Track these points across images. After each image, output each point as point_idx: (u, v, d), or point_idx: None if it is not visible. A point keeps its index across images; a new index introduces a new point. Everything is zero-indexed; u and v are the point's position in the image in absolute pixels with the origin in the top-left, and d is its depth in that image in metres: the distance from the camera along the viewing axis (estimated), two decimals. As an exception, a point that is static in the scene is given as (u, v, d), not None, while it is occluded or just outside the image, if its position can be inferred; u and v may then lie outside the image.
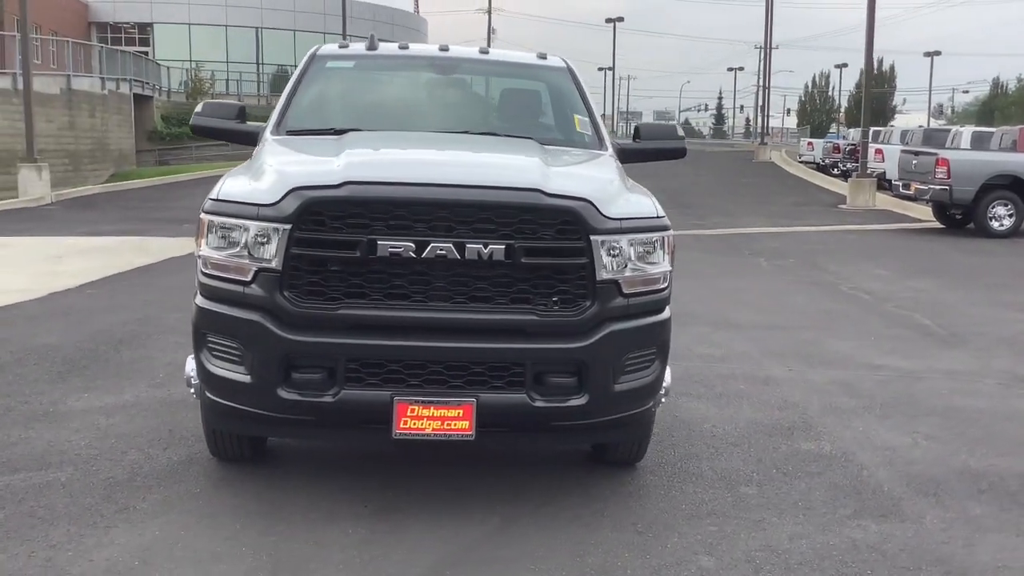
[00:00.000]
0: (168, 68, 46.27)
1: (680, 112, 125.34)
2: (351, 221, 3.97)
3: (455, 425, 4.05)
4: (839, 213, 22.28)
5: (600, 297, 4.13)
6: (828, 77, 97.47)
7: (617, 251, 4.16)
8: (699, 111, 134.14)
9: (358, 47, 5.99)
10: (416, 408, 4.02)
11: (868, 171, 25.38)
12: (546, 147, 5.10)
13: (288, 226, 3.97)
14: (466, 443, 4.11)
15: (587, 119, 5.57)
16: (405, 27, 62.05)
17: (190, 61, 52.02)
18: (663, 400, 4.98)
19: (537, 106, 5.84)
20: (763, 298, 10.63)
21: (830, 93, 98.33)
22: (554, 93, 5.82)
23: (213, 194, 4.26)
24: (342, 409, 4.06)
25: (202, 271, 4.21)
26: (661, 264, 4.36)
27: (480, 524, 4.23)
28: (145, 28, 53.72)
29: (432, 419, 4.04)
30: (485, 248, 3.97)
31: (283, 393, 4.05)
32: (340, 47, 6.10)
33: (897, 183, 20.11)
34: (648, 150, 5.75)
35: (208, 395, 4.32)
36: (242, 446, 4.74)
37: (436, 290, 4.05)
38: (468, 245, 3.97)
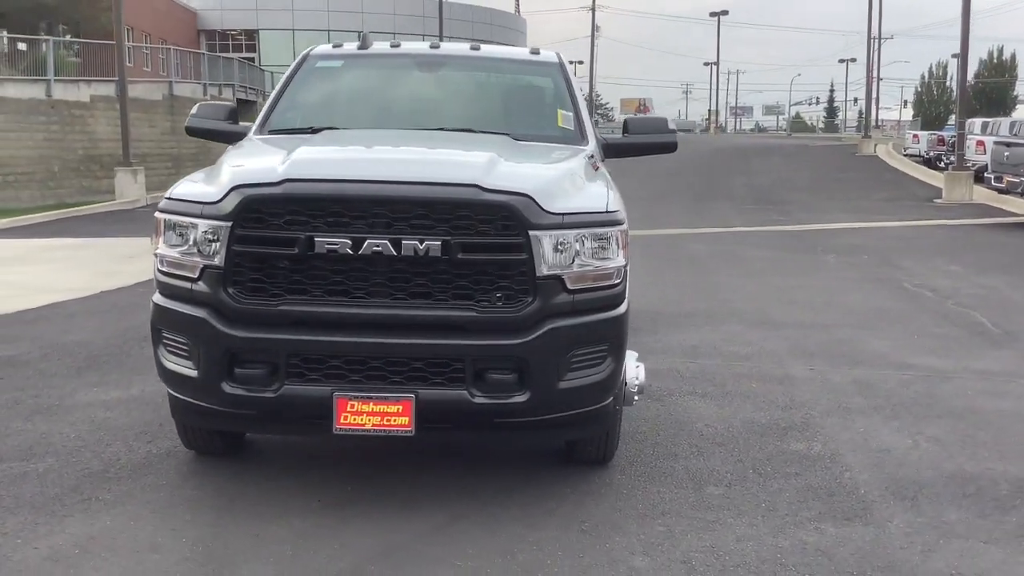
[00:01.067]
0: (271, 73, 47.41)
1: (791, 106, 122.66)
2: (290, 218, 4.01)
3: (395, 421, 4.05)
4: (931, 208, 21.51)
5: (542, 293, 4.07)
6: (945, 67, 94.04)
7: (561, 246, 4.10)
8: (811, 104, 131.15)
9: (351, 46, 6.05)
10: (356, 404, 4.04)
11: (967, 164, 24.41)
12: (520, 142, 5.07)
13: (229, 224, 4.03)
14: (407, 439, 4.10)
15: (571, 114, 5.51)
16: (504, 27, 62.41)
17: (294, 66, 53.27)
18: (636, 398, 4.91)
19: (521, 101, 5.82)
20: (816, 296, 10.34)
21: (948, 83, 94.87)
22: (540, 88, 5.79)
23: (168, 193, 4.36)
24: (284, 404, 4.11)
25: (158, 268, 4.32)
26: (613, 260, 4.28)
27: (425, 520, 4.23)
28: (251, 34, 55.19)
29: (372, 415, 4.05)
30: (421, 244, 3.97)
31: (227, 388, 4.12)
32: (334, 47, 6.18)
33: (990, 175, 19.31)
34: (637, 144, 5.67)
35: (167, 389, 4.43)
36: (212, 439, 4.84)
37: (376, 286, 4.06)
38: (404, 241, 3.97)
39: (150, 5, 45.21)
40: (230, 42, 54.44)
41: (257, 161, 4.62)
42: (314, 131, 5.17)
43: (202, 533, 4.08)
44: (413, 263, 4.00)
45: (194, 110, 5.75)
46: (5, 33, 30.71)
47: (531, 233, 4.02)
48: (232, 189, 4.07)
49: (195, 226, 4.11)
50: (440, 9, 47.07)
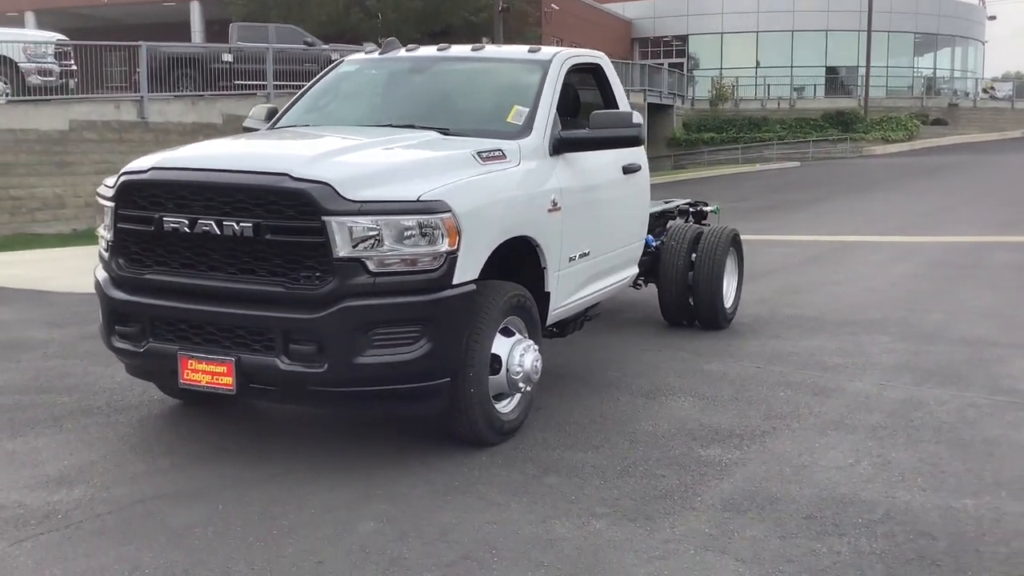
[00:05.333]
0: (694, 77, 48.30)
1: None
2: (151, 200, 4.79)
3: (221, 380, 4.69)
4: None
5: (339, 274, 4.47)
6: None
7: (360, 231, 4.46)
8: None
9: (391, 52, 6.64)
10: (193, 363, 4.73)
11: None
12: (443, 137, 5.43)
13: (113, 204, 4.90)
14: (229, 396, 4.72)
15: (526, 109, 5.69)
16: (954, 18, 57.75)
17: (720, 69, 53.70)
18: (523, 386, 5.09)
19: (484, 98, 6.05)
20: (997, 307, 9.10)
21: None
22: (510, 86, 5.99)
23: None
24: (148, 358, 4.90)
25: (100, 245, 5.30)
26: (425, 246, 4.55)
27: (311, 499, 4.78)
28: (682, 40, 56.39)
29: (205, 373, 4.71)
30: (238, 225, 4.56)
31: (115, 341, 4.99)
32: (366, 52, 6.81)
33: None
34: (595, 139, 5.72)
35: None
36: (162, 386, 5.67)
37: (213, 261, 4.71)
38: (225, 222, 4.58)
39: (582, 17, 48.01)
40: (661, 48, 56.02)
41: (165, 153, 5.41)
42: (292, 127, 5.89)
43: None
44: (237, 242, 4.59)
45: (251, 112, 6.67)
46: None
47: (325, 218, 4.43)
48: (121, 175, 4.92)
49: (104, 208, 5.02)
50: (870, 4, 44.93)
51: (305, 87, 6.59)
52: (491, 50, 6.46)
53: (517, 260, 5.42)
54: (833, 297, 9.80)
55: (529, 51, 6.28)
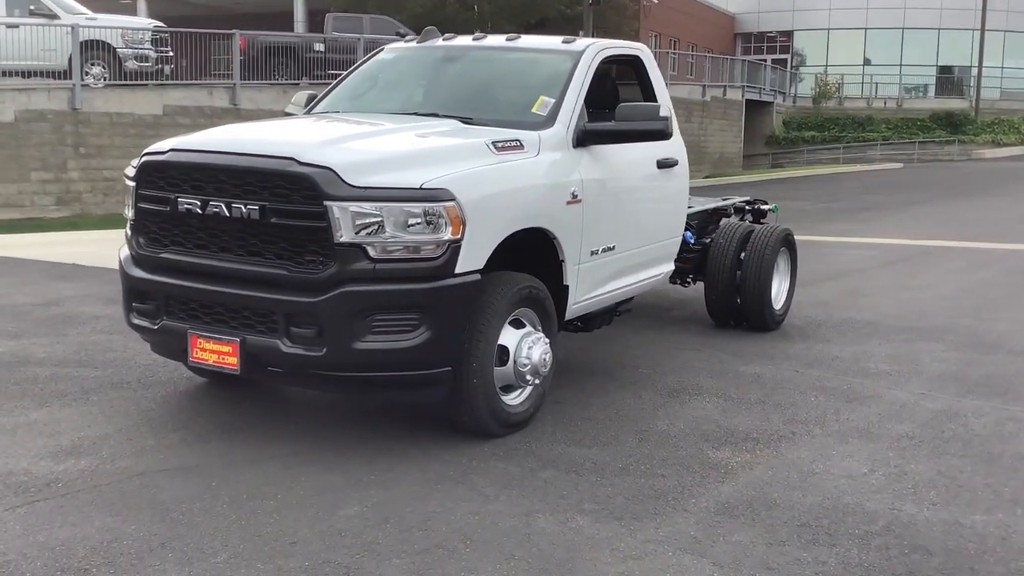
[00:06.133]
0: (797, 73, 47.34)
1: None
2: (168, 181, 4.90)
3: (227, 360, 4.77)
4: None
5: (340, 259, 4.50)
6: None
7: (362, 217, 4.48)
8: None
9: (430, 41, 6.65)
10: (202, 341, 4.83)
11: None
12: (464, 126, 5.43)
13: (134, 184, 5.03)
14: (233, 377, 4.80)
15: (551, 100, 5.64)
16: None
17: (825, 66, 52.52)
18: (531, 379, 5.08)
19: (512, 88, 6.00)
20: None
21: None
22: (539, 76, 5.94)
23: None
24: (162, 335, 5.02)
25: None
26: (427, 234, 4.55)
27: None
28: (787, 35, 55.29)
29: (212, 352, 4.81)
30: (245, 208, 4.63)
31: (133, 318, 5.13)
32: (406, 41, 6.83)
33: None
34: (622, 131, 5.64)
35: None
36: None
37: (223, 243, 4.79)
38: (233, 205, 4.66)
39: (683, 11, 47.44)
40: (764, 44, 55.03)
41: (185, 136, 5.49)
42: (326, 114, 5.96)
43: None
44: (245, 224, 4.66)
45: (293, 98, 6.77)
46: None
47: (326, 203, 4.46)
48: (143, 155, 5.04)
49: (128, 187, 5.15)
50: (984, 3, 43.38)
51: (344, 74, 6.65)
52: (525, 40, 6.41)
53: (536, 252, 5.38)
54: (898, 302, 9.49)
55: (563, 42, 6.22)
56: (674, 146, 6.55)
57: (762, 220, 9.02)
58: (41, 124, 18.05)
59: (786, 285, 8.26)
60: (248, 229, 4.67)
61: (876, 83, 50.90)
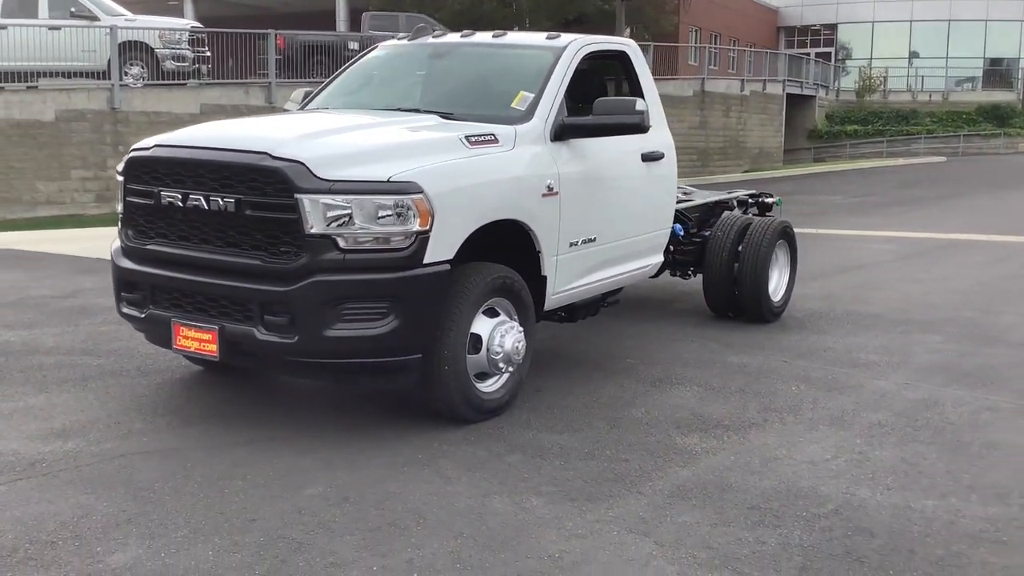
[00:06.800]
0: (841, 67, 46.85)
1: None
2: (153, 176, 5.11)
3: (207, 347, 4.97)
4: None
5: (311, 249, 4.68)
6: None
7: (331, 209, 4.65)
8: None
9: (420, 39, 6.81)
10: (184, 329, 5.03)
11: None
12: (442, 121, 5.58)
13: (123, 178, 5.25)
14: (213, 363, 5.01)
15: (531, 95, 5.77)
16: None
17: (869, 59, 51.92)
18: (504, 367, 5.23)
19: (493, 83, 6.12)
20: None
21: None
22: (521, 72, 6.06)
23: None
24: (149, 324, 5.23)
25: None
26: (395, 226, 4.71)
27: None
28: (830, 29, 54.75)
29: (194, 339, 5.01)
30: (222, 201, 4.82)
31: (122, 307, 5.35)
32: (398, 39, 6.99)
33: None
34: (599, 125, 5.76)
35: None
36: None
37: (204, 235, 4.99)
38: (211, 198, 4.86)
39: (724, 4, 47.16)
40: (808, 38, 54.55)
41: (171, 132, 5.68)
42: (313, 111, 6.15)
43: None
44: (223, 217, 4.86)
45: (292, 95, 6.97)
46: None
47: (297, 196, 4.64)
48: (131, 151, 5.25)
49: (118, 183, 5.38)
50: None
51: (338, 71, 6.83)
52: (511, 37, 6.54)
53: (515, 243, 5.52)
54: (906, 295, 9.49)
55: (547, 38, 6.34)
56: (660, 140, 6.65)
57: (767, 213, 9.07)
58: (81, 123, 18.51)
59: (786, 278, 8.30)
60: (226, 221, 4.85)
61: (921, 76, 50.20)
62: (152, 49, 19.64)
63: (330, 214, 4.64)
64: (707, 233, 8.03)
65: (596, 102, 5.78)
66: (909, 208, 19.78)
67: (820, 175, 31.23)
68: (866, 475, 4.67)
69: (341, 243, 4.67)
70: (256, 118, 6.31)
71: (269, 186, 4.71)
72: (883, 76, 49.73)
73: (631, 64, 6.70)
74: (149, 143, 5.22)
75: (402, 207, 4.70)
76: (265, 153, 4.76)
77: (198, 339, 4.97)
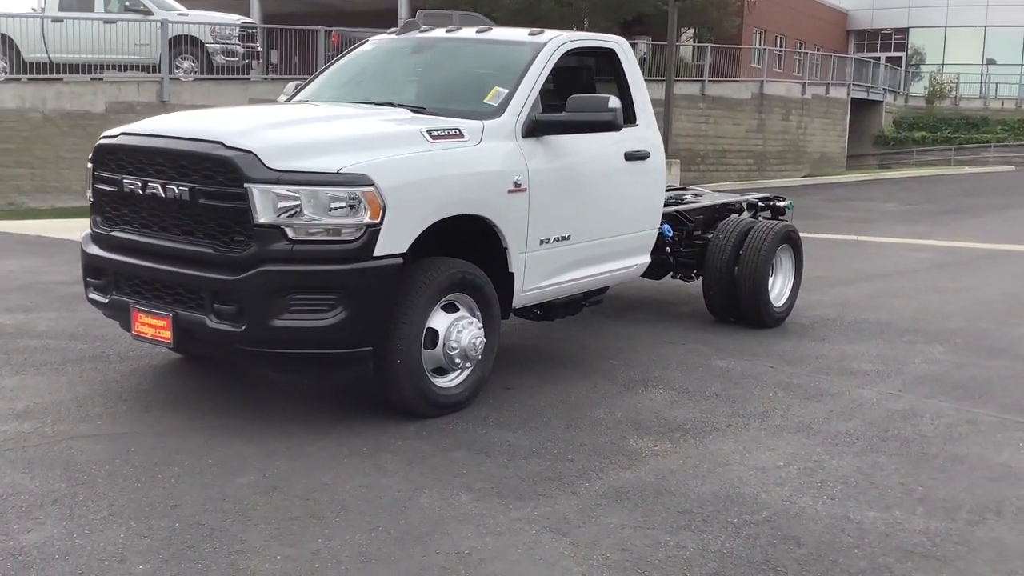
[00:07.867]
0: (914, 71, 45.90)
1: None
2: (118, 163, 5.19)
3: (162, 334, 5.03)
4: None
5: (260, 239, 4.71)
6: None
7: (280, 199, 4.67)
8: None
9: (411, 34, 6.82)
10: (141, 316, 5.10)
11: None
12: (413, 114, 5.58)
13: (91, 166, 5.34)
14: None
15: (505, 91, 5.73)
16: None
17: (941, 65, 50.80)
18: (460, 362, 5.21)
19: (471, 78, 6.09)
20: None
21: None
22: (498, 68, 6.02)
23: None
24: (112, 309, 5.31)
25: None
26: (344, 218, 4.72)
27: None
28: (902, 33, 53.67)
29: (150, 326, 5.08)
30: (177, 189, 4.88)
31: (89, 293, 5.44)
32: (388, 32, 7.00)
33: None
34: (570, 122, 5.71)
35: None
36: None
37: (163, 222, 5.05)
38: (168, 186, 4.92)
39: (790, 6, 46.43)
40: (879, 41, 53.53)
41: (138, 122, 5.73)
42: (296, 103, 6.19)
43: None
44: (179, 205, 4.91)
45: (285, 88, 7.02)
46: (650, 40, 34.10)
47: (247, 185, 4.67)
48: (100, 139, 5.34)
49: (87, 170, 5.47)
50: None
51: (327, 64, 6.86)
52: (495, 33, 6.52)
53: (483, 239, 5.49)
54: (924, 304, 9.25)
55: (529, 34, 6.30)
56: (646, 139, 6.57)
57: (780, 217, 8.92)
58: (130, 116, 18.81)
59: (790, 283, 8.14)
60: (181, 209, 4.91)
61: (995, 83, 48.93)
62: (203, 44, 19.97)
63: (280, 204, 4.66)
64: (709, 236, 7.92)
65: (569, 99, 5.73)
66: (963, 217, 19.29)
67: (879, 181, 30.63)
68: (814, 484, 4.56)
69: (290, 233, 4.68)
70: (226, 108, 6.36)
71: (220, 175, 4.75)
72: (954, 82, 48.56)
73: (619, 62, 6.62)
74: (116, 131, 5.30)
75: (352, 199, 4.70)
76: (219, 142, 4.80)
77: (154, 326, 5.02)
